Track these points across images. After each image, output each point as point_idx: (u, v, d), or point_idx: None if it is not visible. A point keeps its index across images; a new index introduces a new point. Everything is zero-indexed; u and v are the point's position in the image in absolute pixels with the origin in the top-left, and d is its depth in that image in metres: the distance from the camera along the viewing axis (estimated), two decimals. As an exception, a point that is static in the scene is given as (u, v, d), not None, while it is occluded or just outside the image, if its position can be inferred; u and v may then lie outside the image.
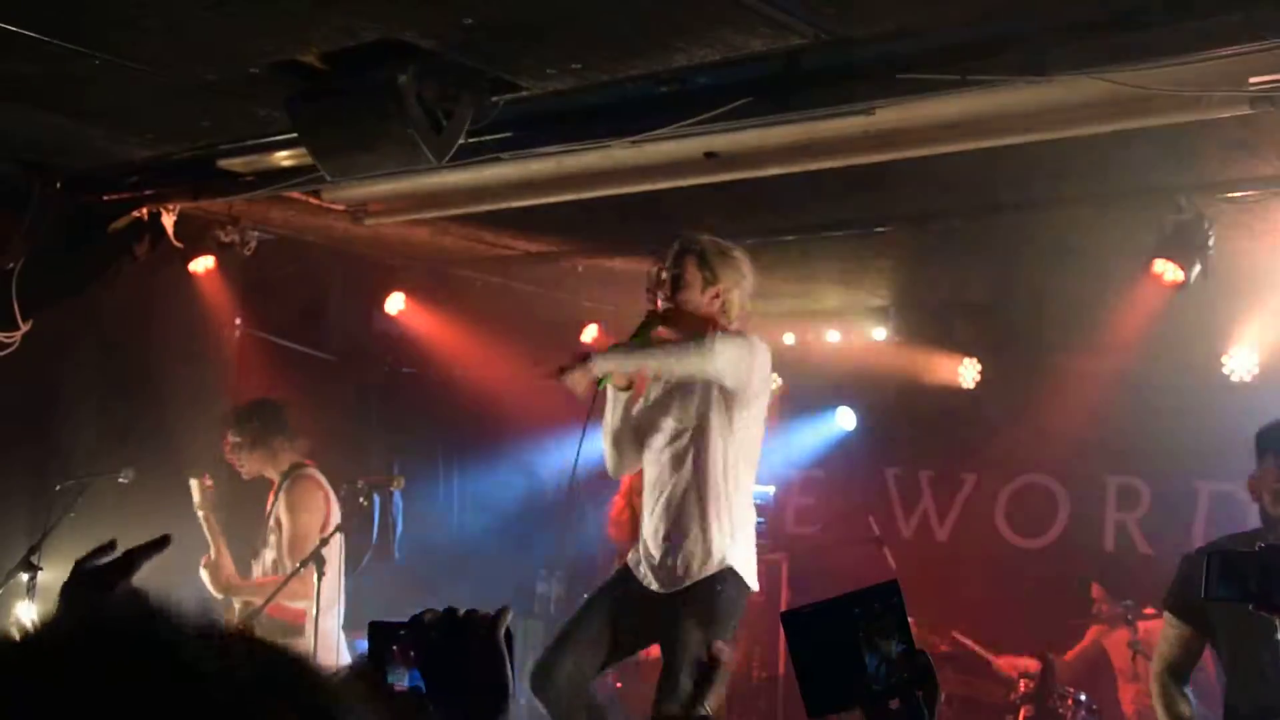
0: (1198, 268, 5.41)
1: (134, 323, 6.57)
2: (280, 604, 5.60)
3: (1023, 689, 6.46)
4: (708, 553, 4.35)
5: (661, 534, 4.42)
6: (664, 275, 4.46)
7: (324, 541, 5.60)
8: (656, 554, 4.43)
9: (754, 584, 4.51)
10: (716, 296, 4.42)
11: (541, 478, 8.46)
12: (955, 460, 8.16)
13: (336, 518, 5.85)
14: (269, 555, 5.87)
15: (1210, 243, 5.38)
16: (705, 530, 4.36)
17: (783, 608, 8.24)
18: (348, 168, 4.50)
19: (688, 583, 4.36)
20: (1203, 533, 7.12)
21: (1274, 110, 3.89)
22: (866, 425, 8.48)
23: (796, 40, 3.72)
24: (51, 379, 6.49)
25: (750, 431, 4.47)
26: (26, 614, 5.28)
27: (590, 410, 4.48)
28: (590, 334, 8.21)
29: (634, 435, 4.56)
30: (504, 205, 5.70)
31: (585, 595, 6.91)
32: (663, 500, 4.44)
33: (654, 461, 4.52)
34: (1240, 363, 6.90)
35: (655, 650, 4.64)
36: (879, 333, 8.16)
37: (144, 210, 5.84)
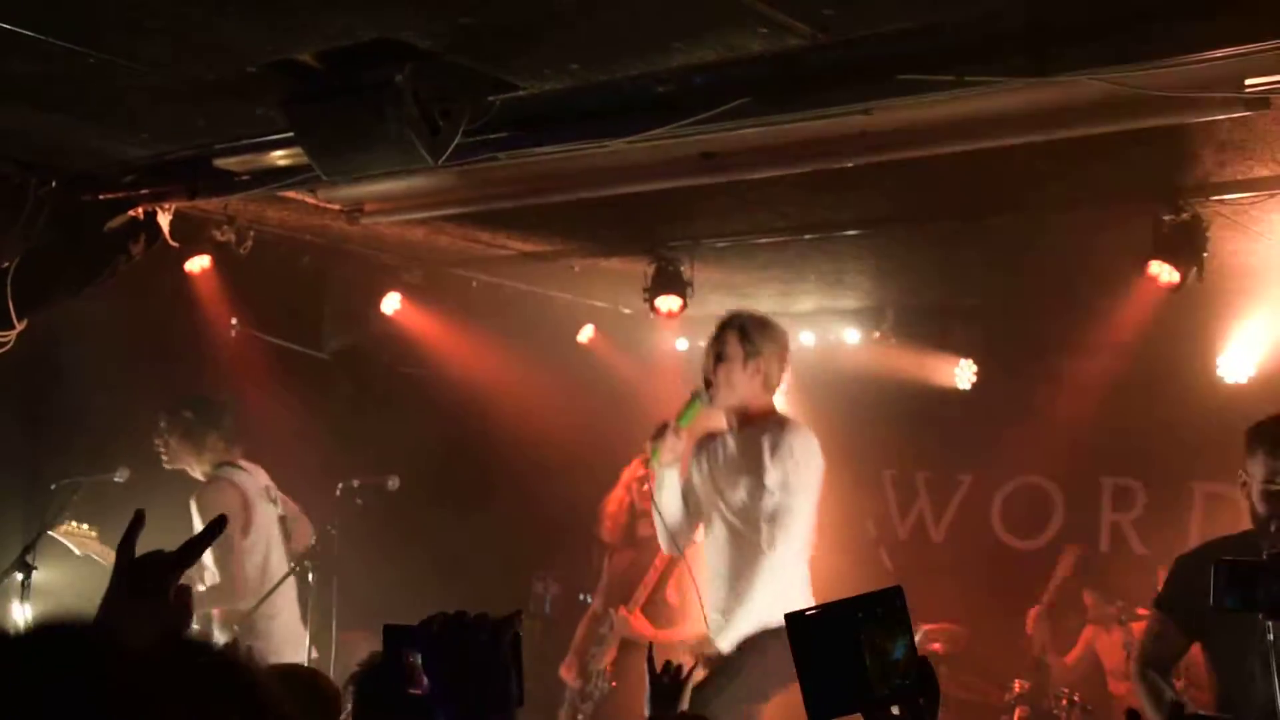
0: (1193, 270, 5.42)
1: (130, 322, 6.55)
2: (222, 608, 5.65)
3: (1018, 690, 6.47)
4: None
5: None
6: (708, 351, 4.76)
7: (317, 544, 5.63)
8: None
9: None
10: (758, 370, 4.69)
11: (538, 477, 8.45)
12: (951, 461, 8.16)
13: (262, 520, 5.84)
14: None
15: (1206, 245, 5.39)
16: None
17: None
18: (344, 167, 4.49)
19: None
20: (1198, 534, 7.13)
21: (1269, 112, 3.90)
22: (863, 426, 8.47)
23: (795, 41, 3.72)
24: (47, 378, 6.48)
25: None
26: (20, 614, 5.27)
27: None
28: (587, 334, 8.21)
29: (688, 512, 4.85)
30: (500, 205, 5.70)
31: (582, 596, 6.93)
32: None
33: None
34: (1235, 364, 6.90)
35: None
36: (874, 334, 8.16)
37: (140, 210, 5.83)
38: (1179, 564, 4.16)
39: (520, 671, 1.88)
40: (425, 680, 1.91)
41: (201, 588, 5.80)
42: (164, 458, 5.95)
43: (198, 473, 5.92)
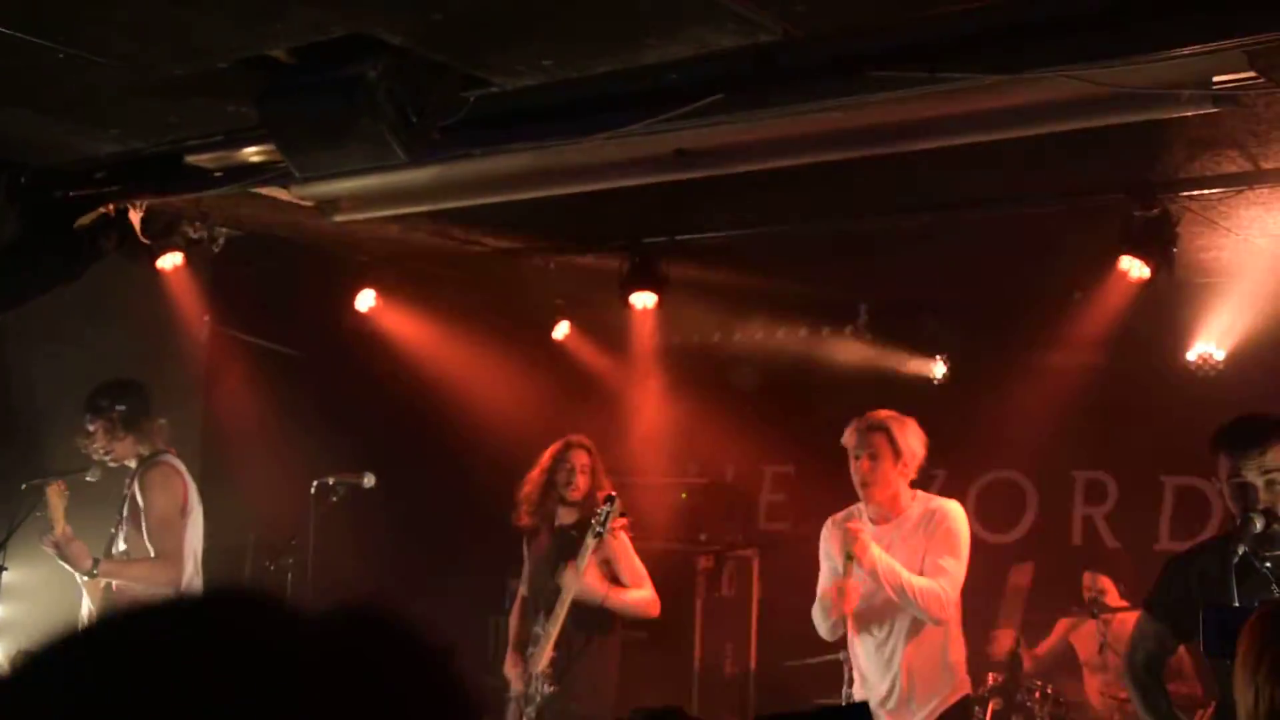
0: (1164, 265, 5.46)
1: (101, 320, 6.52)
2: (135, 590, 5.56)
3: (991, 682, 6.50)
4: None
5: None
6: (855, 454, 5.21)
7: (292, 540, 5.60)
8: None
9: None
10: (905, 464, 5.16)
11: (513, 474, 8.44)
12: (925, 456, 8.19)
13: (195, 503, 5.78)
14: (119, 550, 5.72)
15: (1176, 240, 5.43)
16: None
17: (754, 603, 8.27)
18: (317, 164, 4.47)
19: None
20: (1168, 527, 7.19)
21: (1237, 109, 3.94)
22: (837, 422, 8.50)
23: (766, 37, 3.74)
24: (16, 377, 6.44)
25: None
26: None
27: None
28: (562, 331, 8.21)
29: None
30: (475, 202, 5.69)
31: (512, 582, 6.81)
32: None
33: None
34: (1204, 358, 6.96)
35: None
36: (847, 329, 8.19)
37: (111, 206, 5.80)
38: (1170, 566, 4.20)
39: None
40: None
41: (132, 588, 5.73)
42: (109, 459, 5.72)
43: (132, 460, 5.77)
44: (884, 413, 5.26)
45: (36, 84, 4.47)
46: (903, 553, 5.09)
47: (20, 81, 4.46)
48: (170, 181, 5.52)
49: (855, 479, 5.24)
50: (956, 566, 5.09)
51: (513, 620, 6.31)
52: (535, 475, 6.10)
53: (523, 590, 6.31)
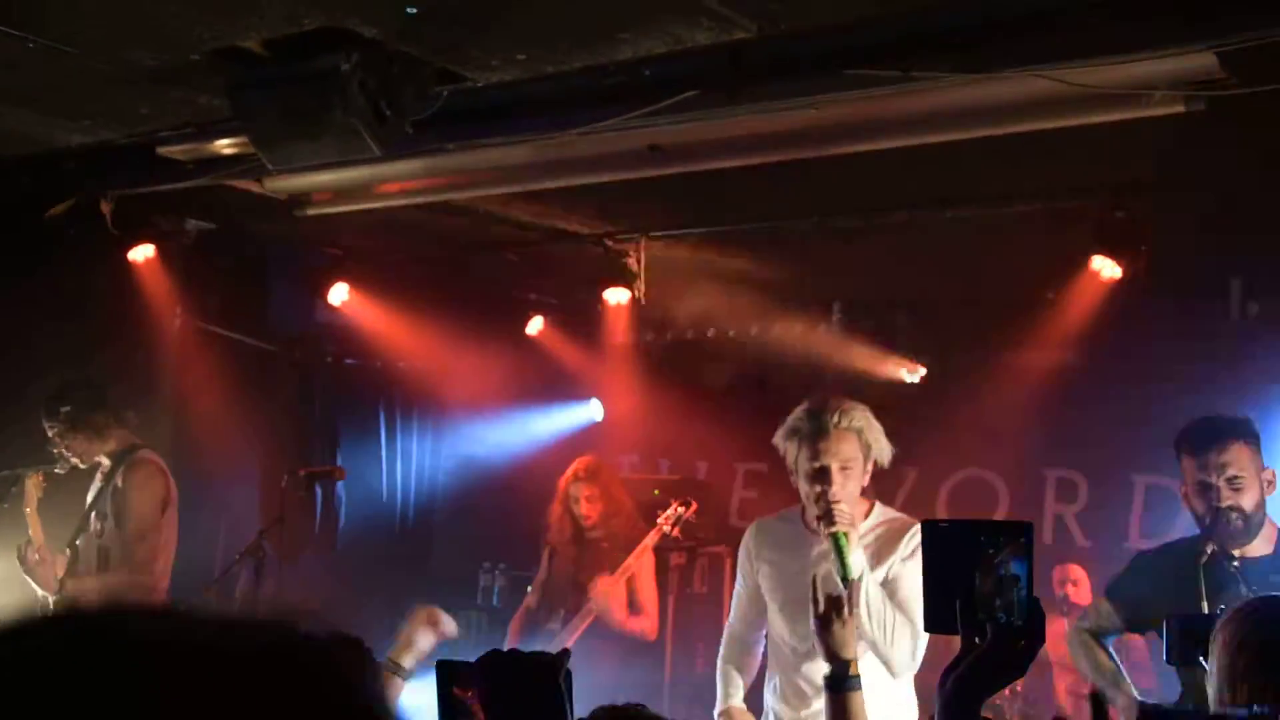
0: (1135, 265, 5.50)
1: (72, 312, 6.47)
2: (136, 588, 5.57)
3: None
4: None
5: None
6: (827, 467, 3.96)
7: (263, 533, 5.57)
8: None
9: None
10: (874, 464, 4.11)
11: (482, 469, 8.44)
12: (896, 454, 8.22)
13: (175, 498, 5.76)
14: (93, 544, 5.69)
15: (1148, 240, 5.47)
16: None
17: (726, 600, 8.28)
18: (290, 156, 4.45)
19: None
20: (1138, 525, 7.23)
21: (1207, 109, 3.97)
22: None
23: (740, 34, 3.74)
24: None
25: None
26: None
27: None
28: (536, 326, 8.20)
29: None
30: (448, 197, 5.68)
31: (528, 587, 6.88)
32: None
33: None
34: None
35: None
36: (820, 327, 8.21)
37: (81, 198, 5.76)
38: (1137, 560, 4.36)
39: (572, 708, 1.91)
40: (482, 716, 1.95)
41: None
42: (72, 457, 5.70)
43: (104, 457, 5.73)
44: (851, 404, 4.09)
45: (6, 74, 4.43)
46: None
47: (-11, 70, 4.42)
48: (142, 173, 5.48)
49: (808, 493, 3.99)
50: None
51: (513, 627, 6.31)
52: (556, 508, 6.19)
53: (530, 601, 6.33)
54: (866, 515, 4.16)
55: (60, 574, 5.60)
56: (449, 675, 2.02)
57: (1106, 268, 5.55)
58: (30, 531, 5.62)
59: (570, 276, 7.06)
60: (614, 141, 4.67)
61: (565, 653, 1.98)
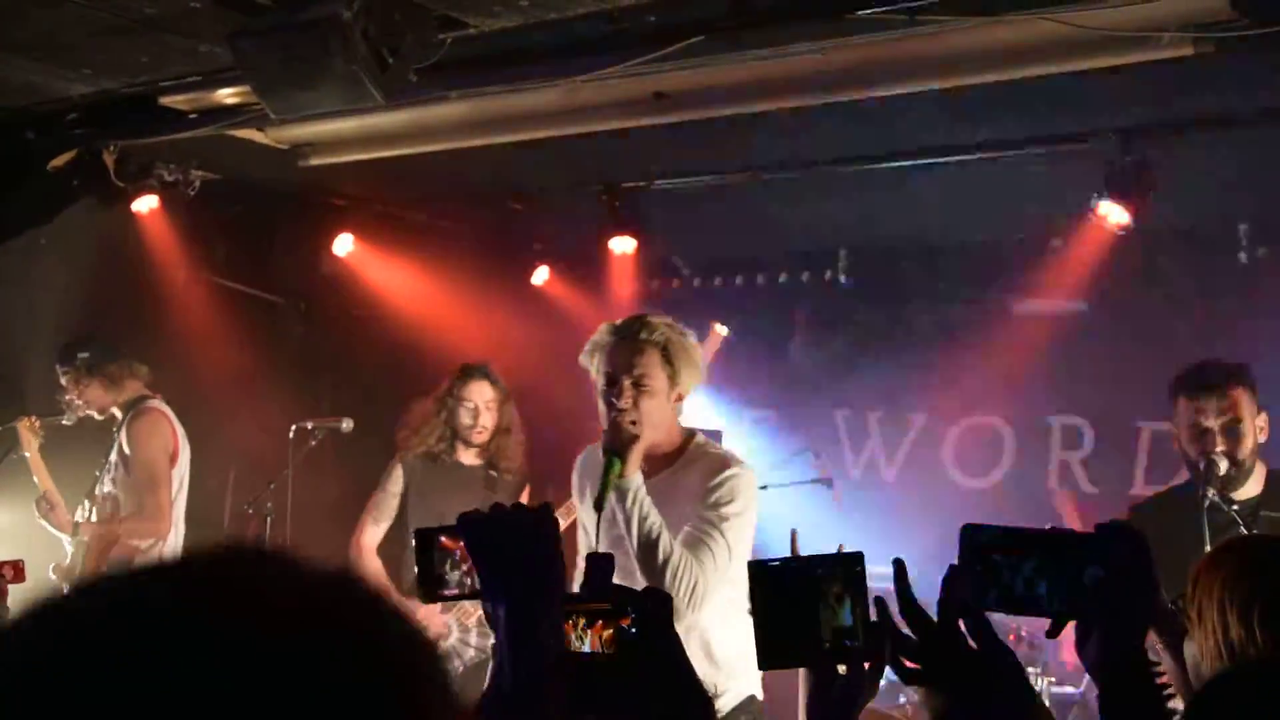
0: (1142, 210, 5.47)
1: (76, 264, 6.47)
2: (124, 542, 5.64)
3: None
4: None
5: None
6: (618, 376, 3.67)
7: (271, 485, 5.61)
8: None
9: None
10: (679, 399, 3.75)
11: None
12: (903, 401, 8.23)
13: (184, 448, 5.83)
14: (105, 492, 5.81)
15: (1155, 185, 5.43)
16: None
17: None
18: (293, 105, 4.42)
19: None
20: (1144, 472, 7.24)
21: (1216, 52, 3.93)
22: (816, 367, 8.53)
23: (746, -23, 3.71)
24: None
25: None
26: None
27: None
28: (541, 276, 8.18)
29: None
30: (451, 145, 5.65)
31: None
32: None
33: None
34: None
35: None
36: (826, 274, 8.20)
37: (84, 149, 5.73)
38: (1133, 512, 4.32)
39: (563, 560, 1.92)
40: (458, 576, 2.00)
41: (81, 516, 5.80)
42: (86, 407, 5.80)
43: (115, 408, 5.84)
44: (661, 320, 3.79)
45: (4, 24, 4.40)
46: (673, 515, 3.61)
47: (-12, 20, 4.39)
48: (144, 123, 5.45)
49: (602, 412, 3.70)
50: (729, 537, 3.61)
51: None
52: None
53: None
54: (680, 449, 3.79)
55: (68, 516, 5.75)
56: (429, 540, 2.05)
57: (1114, 213, 5.52)
58: (36, 478, 5.70)
59: (576, 225, 7.03)
60: (618, 88, 4.64)
61: (546, 505, 1.98)
